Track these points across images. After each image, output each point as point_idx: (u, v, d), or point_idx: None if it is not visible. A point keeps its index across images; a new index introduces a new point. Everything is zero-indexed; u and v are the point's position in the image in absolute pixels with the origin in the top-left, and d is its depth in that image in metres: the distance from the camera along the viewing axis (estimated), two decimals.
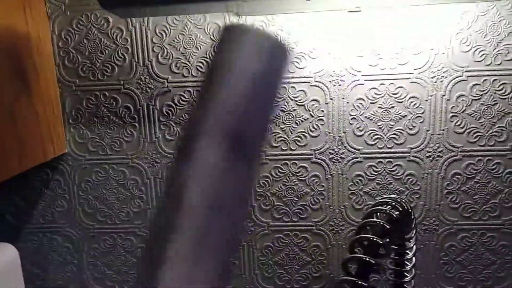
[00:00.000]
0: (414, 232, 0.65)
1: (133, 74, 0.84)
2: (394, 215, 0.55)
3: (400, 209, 0.56)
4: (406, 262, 0.69)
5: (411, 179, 0.83)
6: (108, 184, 0.89)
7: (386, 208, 0.57)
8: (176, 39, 0.82)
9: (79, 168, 0.88)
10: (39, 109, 0.79)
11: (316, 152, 0.84)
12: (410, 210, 0.59)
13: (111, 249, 0.92)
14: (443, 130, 0.81)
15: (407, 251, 0.68)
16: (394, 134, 0.82)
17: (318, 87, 0.81)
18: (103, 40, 0.83)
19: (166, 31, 0.81)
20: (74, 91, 0.85)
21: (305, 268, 0.90)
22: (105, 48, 0.83)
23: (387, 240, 0.54)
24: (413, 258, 0.68)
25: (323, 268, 0.89)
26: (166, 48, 0.82)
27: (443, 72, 0.79)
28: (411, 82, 0.79)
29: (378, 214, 0.59)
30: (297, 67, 0.81)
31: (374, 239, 0.52)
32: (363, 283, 0.49)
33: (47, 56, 0.81)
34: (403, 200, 0.58)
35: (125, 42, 0.83)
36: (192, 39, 0.81)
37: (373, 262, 0.50)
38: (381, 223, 0.53)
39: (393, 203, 0.57)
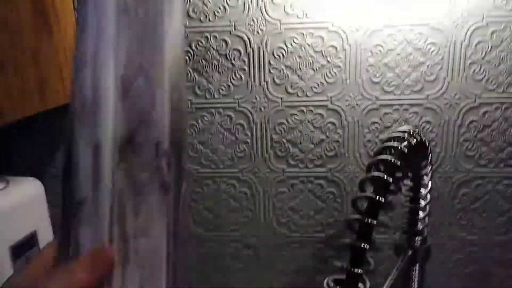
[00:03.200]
0: (429, 167, 0.66)
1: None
2: (406, 150, 0.55)
3: (413, 142, 0.56)
4: (420, 199, 0.69)
5: (427, 127, 0.84)
6: None
7: (396, 144, 0.56)
8: None
9: None
10: (60, 51, 0.80)
11: (332, 98, 0.85)
12: (424, 142, 0.59)
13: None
14: (461, 77, 0.81)
15: (421, 188, 0.69)
16: (411, 81, 0.82)
17: (336, 32, 0.81)
18: None
19: None
20: None
21: (319, 214, 0.91)
22: None
23: (398, 176, 0.54)
24: (428, 195, 0.69)
25: (338, 214, 0.90)
26: None
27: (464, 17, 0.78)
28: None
29: (388, 150, 0.58)
30: (316, 12, 0.81)
31: (383, 176, 0.52)
32: (372, 221, 0.50)
33: None
34: (416, 131, 0.58)
35: None
36: None
37: (382, 201, 0.50)
38: (391, 159, 0.53)
39: (405, 137, 0.57)
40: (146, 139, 0.35)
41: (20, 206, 0.72)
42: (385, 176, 0.50)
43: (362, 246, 0.48)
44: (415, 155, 0.57)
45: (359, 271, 0.48)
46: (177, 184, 0.36)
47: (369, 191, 0.51)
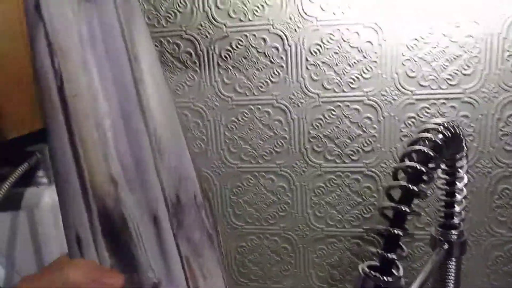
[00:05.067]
0: (465, 160, 0.66)
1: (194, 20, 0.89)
2: (440, 142, 0.56)
3: (448, 133, 0.57)
4: (456, 192, 0.70)
5: (464, 121, 0.83)
6: None
7: (430, 135, 0.57)
8: None
9: None
10: None
11: (368, 93, 0.86)
12: (459, 134, 0.60)
13: None
14: (499, 70, 0.80)
15: (457, 182, 0.69)
16: (448, 75, 0.82)
17: (372, 28, 0.82)
18: None
19: None
20: None
21: (356, 208, 0.93)
22: None
23: (431, 166, 0.54)
24: (464, 189, 0.69)
25: (374, 208, 0.91)
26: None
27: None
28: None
29: (422, 141, 0.58)
30: (351, 8, 0.82)
31: (416, 166, 0.53)
32: (406, 209, 0.51)
33: None
34: (451, 124, 0.59)
35: None
36: None
37: (415, 189, 0.51)
38: (424, 150, 0.54)
39: (440, 128, 0.58)
40: (187, 194, 0.34)
41: None
42: (418, 166, 0.51)
43: (395, 232, 0.49)
44: (449, 147, 0.57)
45: (393, 256, 0.49)
46: (215, 229, 0.36)
47: (403, 180, 0.52)
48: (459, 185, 0.69)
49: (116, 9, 0.31)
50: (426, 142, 0.55)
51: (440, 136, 0.56)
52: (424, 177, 0.52)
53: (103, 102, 0.30)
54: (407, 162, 0.53)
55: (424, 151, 0.52)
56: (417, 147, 0.53)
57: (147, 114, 0.32)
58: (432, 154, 0.52)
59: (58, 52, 0.29)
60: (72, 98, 0.30)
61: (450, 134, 0.57)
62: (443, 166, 0.68)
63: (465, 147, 0.65)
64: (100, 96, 0.30)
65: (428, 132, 0.57)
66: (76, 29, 0.30)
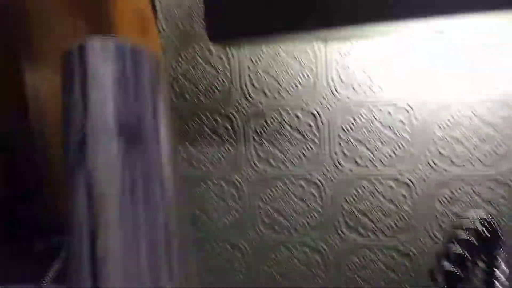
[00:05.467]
0: (502, 250, 0.66)
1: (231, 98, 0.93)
2: (476, 242, 0.56)
3: (485, 231, 0.57)
4: (495, 281, 0.69)
5: (502, 202, 0.83)
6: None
7: (466, 235, 0.57)
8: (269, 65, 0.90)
9: None
10: None
11: (401, 170, 0.87)
12: (496, 230, 0.60)
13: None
14: None
15: (496, 270, 0.68)
16: (481, 154, 0.82)
17: (404, 108, 0.84)
18: (206, 68, 0.94)
19: (261, 59, 0.90)
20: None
21: (391, 286, 0.91)
22: (208, 74, 0.94)
23: (468, 266, 0.54)
24: (503, 277, 0.68)
25: (410, 287, 0.90)
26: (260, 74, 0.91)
27: None
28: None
29: (459, 242, 0.58)
30: (384, 89, 0.85)
31: (454, 271, 0.53)
32: None
33: None
34: (487, 220, 0.59)
35: (224, 69, 0.93)
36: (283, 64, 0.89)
37: None
38: (463, 253, 0.54)
39: (476, 226, 0.58)
40: None
41: None
42: (457, 270, 0.51)
43: None
44: (487, 244, 0.57)
45: None
46: None
47: (440, 280, 0.52)
48: (499, 274, 0.68)
49: (158, 148, 0.31)
50: (463, 242, 0.55)
51: (476, 234, 0.56)
52: (462, 280, 0.51)
53: (136, 261, 0.29)
54: (446, 265, 0.53)
55: (461, 254, 0.52)
56: (453, 248, 0.53)
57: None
58: (470, 258, 0.52)
59: (97, 202, 0.27)
60: (102, 256, 0.27)
61: (486, 232, 0.56)
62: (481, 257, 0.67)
63: (503, 238, 0.65)
64: (133, 255, 0.29)
65: (463, 229, 0.57)
66: (120, 178, 0.27)
